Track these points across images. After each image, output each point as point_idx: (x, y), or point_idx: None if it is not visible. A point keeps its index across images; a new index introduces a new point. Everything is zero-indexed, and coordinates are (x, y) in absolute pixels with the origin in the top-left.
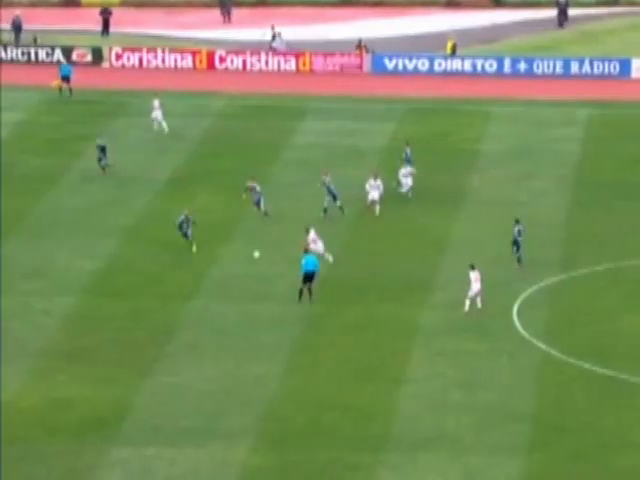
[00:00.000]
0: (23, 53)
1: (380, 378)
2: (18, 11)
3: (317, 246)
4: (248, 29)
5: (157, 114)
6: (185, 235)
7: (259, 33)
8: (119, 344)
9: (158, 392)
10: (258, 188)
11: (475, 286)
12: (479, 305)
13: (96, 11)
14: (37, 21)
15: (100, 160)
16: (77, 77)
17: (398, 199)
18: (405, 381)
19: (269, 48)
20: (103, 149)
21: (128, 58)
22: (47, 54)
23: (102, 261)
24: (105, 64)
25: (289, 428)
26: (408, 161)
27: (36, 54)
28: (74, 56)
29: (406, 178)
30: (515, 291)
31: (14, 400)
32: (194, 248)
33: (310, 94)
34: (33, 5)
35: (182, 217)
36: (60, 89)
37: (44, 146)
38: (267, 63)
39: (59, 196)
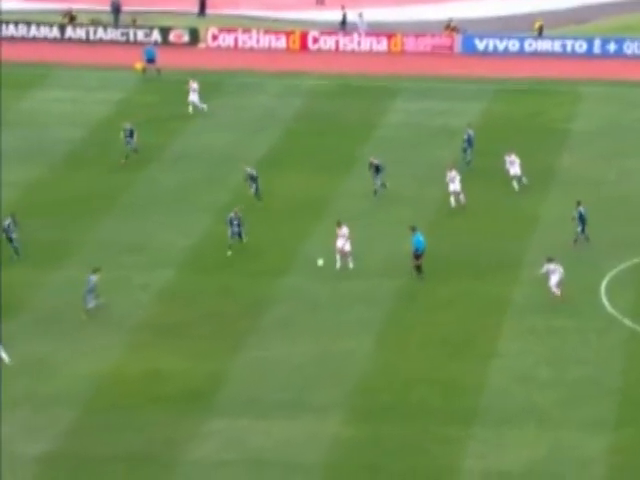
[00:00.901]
0: (122, 34)
1: (470, 353)
2: None
3: (344, 245)
4: (341, 10)
5: (194, 97)
6: (235, 234)
7: (347, 14)
8: (214, 319)
9: (251, 366)
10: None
11: (553, 278)
12: (558, 293)
13: None
14: (136, 3)
15: (128, 144)
16: (174, 57)
17: (488, 177)
18: (494, 356)
19: (339, 28)
20: (131, 132)
21: (224, 39)
22: (145, 35)
23: (197, 238)
24: (201, 45)
25: (379, 401)
26: (469, 143)
27: (135, 35)
28: (171, 37)
29: (453, 183)
30: (603, 269)
31: (115, 371)
32: (229, 252)
33: (401, 74)
34: None
35: (231, 214)
36: (144, 71)
37: (142, 125)
38: (359, 44)
39: (156, 174)
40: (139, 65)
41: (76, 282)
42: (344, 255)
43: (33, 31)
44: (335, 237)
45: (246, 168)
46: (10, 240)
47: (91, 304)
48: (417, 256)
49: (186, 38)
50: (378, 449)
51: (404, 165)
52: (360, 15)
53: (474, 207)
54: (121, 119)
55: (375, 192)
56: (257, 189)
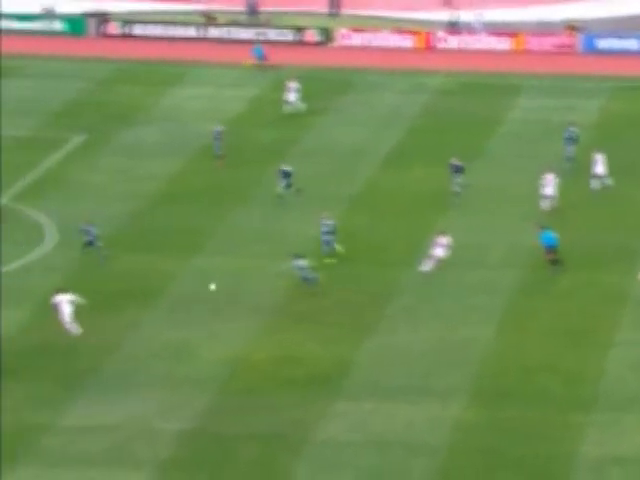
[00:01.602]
0: (257, 34)
1: (589, 342)
2: None
3: (437, 251)
4: (466, 11)
5: (291, 96)
6: (326, 243)
7: (470, 14)
8: (343, 307)
9: (377, 352)
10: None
11: None
12: None
13: None
14: (271, 4)
15: (216, 144)
16: (306, 56)
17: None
18: (613, 345)
19: (448, 26)
20: (219, 134)
21: (354, 38)
22: (279, 34)
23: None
24: (333, 44)
25: (500, 388)
26: (572, 140)
27: (269, 34)
28: (304, 36)
29: (548, 187)
30: None
31: (248, 355)
32: (328, 260)
33: (524, 72)
34: None
35: (329, 223)
36: (254, 67)
37: (275, 121)
38: (483, 43)
39: (291, 167)
40: (248, 62)
41: (211, 269)
42: (437, 261)
43: (173, 31)
44: (434, 243)
45: (281, 165)
46: (90, 244)
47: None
48: (550, 252)
49: (318, 37)
50: (498, 433)
51: (525, 160)
52: (478, 15)
53: (593, 199)
54: (255, 115)
55: (455, 193)
56: (289, 185)
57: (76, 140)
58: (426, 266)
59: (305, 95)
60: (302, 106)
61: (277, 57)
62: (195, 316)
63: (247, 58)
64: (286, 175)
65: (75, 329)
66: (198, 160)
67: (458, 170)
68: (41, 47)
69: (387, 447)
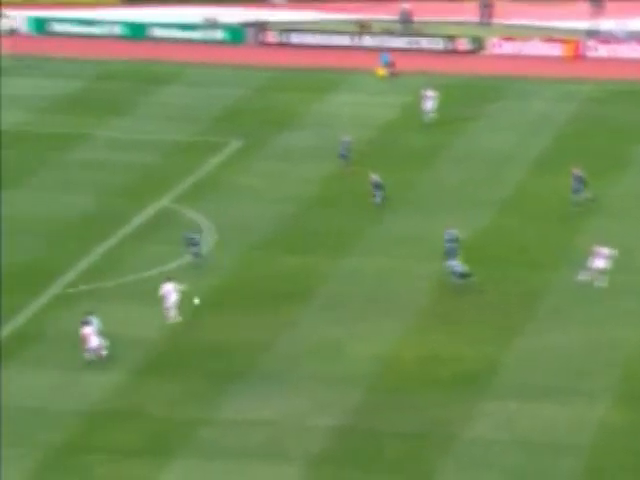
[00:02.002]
0: (409, 42)
1: None
2: (406, 4)
3: (598, 263)
4: (614, 20)
5: (427, 104)
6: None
7: (612, 23)
8: (491, 307)
9: (525, 352)
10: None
11: None
12: None
13: (475, 4)
14: (424, 13)
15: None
16: (457, 64)
17: None
18: None
19: (589, 35)
20: (348, 144)
21: (505, 47)
22: (431, 43)
23: (473, 231)
24: (484, 52)
25: None
26: None
27: (421, 43)
28: (456, 45)
29: None
30: None
31: (397, 353)
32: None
33: None
34: None
35: (452, 232)
36: (383, 75)
37: (426, 127)
38: (631, 51)
39: (440, 172)
40: (381, 71)
41: (360, 270)
42: (597, 273)
43: (329, 39)
44: (593, 254)
45: (371, 175)
46: (196, 255)
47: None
48: None
49: (469, 46)
50: None
51: None
52: (621, 24)
53: None
54: (407, 120)
55: (576, 203)
56: (383, 197)
57: (234, 145)
58: (583, 276)
59: (456, 102)
60: (436, 115)
61: (428, 65)
62: (346, 316)
63: (378, 67)
64: (377, 186)
65: (175, 318)
66: (349, 164)
67: (580, 181)
68: (202, 55)
69: (533, 447)
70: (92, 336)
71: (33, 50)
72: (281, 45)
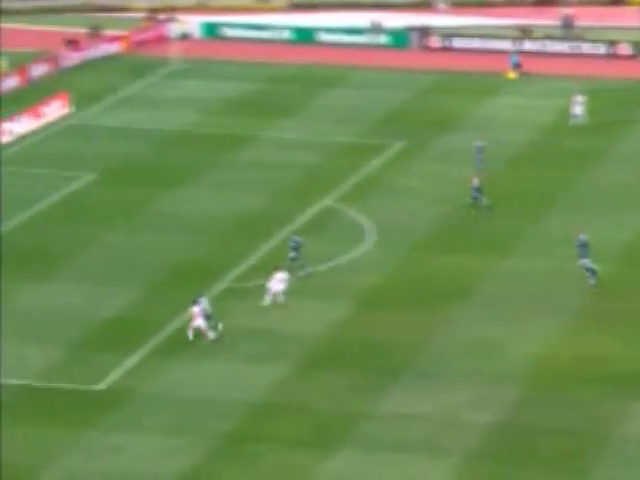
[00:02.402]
0: (571, 47)
1: None
2: (568, 10)
3: None
4: None
5: (576, 109)
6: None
7: None
8: None
9: None
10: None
11: None
12: None
13: (637, 9)
14: (586, 18)
15: (477, 160)
16: (618, 68)
17: None
18: None
19: None
20: (481, 149)
21: None
22: (592, 48)
23: (635, 233)
24: None
25: None
26: None
27: (582, 48)
28: (617, 49)
29: None
30: None
31: (554, 352)
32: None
33: None
34: (583, 4)
35: (582, 238)
36: (513, 77)
37: (588, 128)
38: None
39: (601, 173)
40: (511, 74)
41: (518, 270)
42: None
43: (490, 44)
44: None
45: (473, 179)
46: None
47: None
48: None
49: (630, 51)
50: None
51: None
52: None
53: None
54: (562, 124)
55: None
56: (482, 201)
57: (396, 146)
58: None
59: (617, 105)
60: (579, 118)
61: (589, 70)
62: (504, 315)
63: (509, 71)
64: (478, 191)
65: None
66: (511, 167)
67: None
68: (367, 59)
69: None
70: (198, 316)
71: (204, 54)
72: (443, 49)
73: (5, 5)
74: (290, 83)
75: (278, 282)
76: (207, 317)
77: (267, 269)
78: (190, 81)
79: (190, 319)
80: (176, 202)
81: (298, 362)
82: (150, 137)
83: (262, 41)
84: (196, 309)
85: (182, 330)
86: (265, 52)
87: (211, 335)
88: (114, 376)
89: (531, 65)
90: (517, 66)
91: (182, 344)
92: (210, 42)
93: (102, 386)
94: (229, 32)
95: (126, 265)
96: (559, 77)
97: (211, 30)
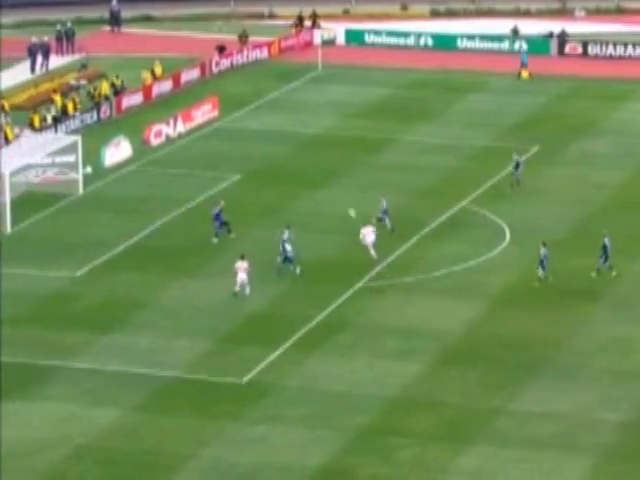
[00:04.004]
0: None
1: None
2: None
3: None
4: None
5: None
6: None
7: None
8: None
9: None
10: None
11: None
12: None
13: None
14: None
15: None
16: None
17: None
18: None
19: None
20: (518, 165)
21: None
22: None
23: None
24: None
25: None
26: None
27: None
28: None
29: None
30: None
31: None
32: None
33: None
34: None
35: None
36: (519, 76)
37: None
38: None
39: None
40: (525, 73)
41: None
42: None
43: (627, 50)
44: None
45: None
46: (284, 250)
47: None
48: None
49: None
50: None
51: None
52: None
53: None
54: None
55: None
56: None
57: (532, 150)
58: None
59: None
60: None
61: None
62: (637, 315)
63: (522, 69)
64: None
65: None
66: None
67: None
68: (506, 65)
69: None
70: (241, 271)
71: (347, 60)
72: (582, 56)
73: (159, 13)
74: (430, 88)
75: (370, 234)
76: (286, 258)
77: (404, 269)
78: (333, 86)
79: (236, 273)
80: (316, 202)
81: (434, 358)
82: (292, 140)
83: (403, 47)
84: (240, 264)
85: (320, 327)
86: (406, 58)
87: (248, 291)
88: (257, 369)
89: None
90: (526, 66)
91: (323, 339)
92: (353, 48)
93: (246, 379)
94: (372, 39)
95: (269, 262)
96: None
97: (354, 37)
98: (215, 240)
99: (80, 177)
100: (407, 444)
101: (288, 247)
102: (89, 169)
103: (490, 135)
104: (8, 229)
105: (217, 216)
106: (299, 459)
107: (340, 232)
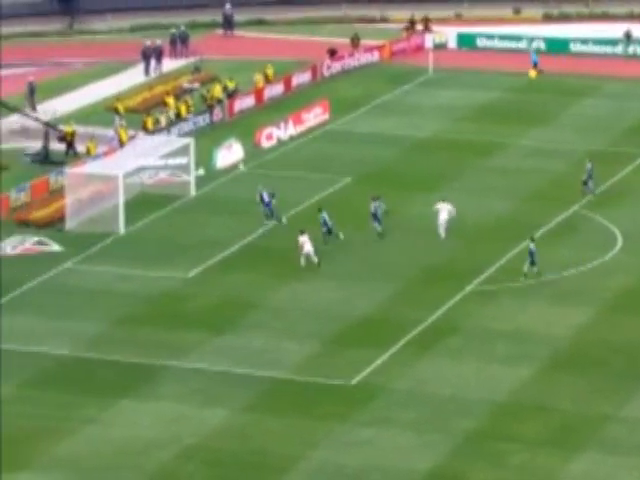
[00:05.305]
0: None
1: None
2: None
3: None
4: None
5: None
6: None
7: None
8: None
9: None
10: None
11: None
12: None
13: None
14: None
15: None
16: None
17: None
18: None
19: None
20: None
21: None
22: None
23: None
24: None
25: None
26: None
27: None
28: None
29: None
30: None
31: None
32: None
33: None
34: None
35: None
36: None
37: None
38: None
39: None
40: (532, 73)
41: None
42: None
43: None
44: None
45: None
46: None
47: None
48: None
49: None
50: None
51: None
52: None
53: None
54: None
55: None
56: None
57: None
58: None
59: None
60: None
61: None
62: None
63: (530, 69)
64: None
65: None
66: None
67: None
68: (620, 69)
69: None
70: (307, 243)
71: (458, 63)
72: None
73: (272, 17)
74: (542, 92)
75: (305, 242)
76: (328, 230)
77: (514, 273)
78: (443, 89)
79: (301, 248)
80: (426, 205)
81: (544, 364)
82: (403, 143)
83: (516, 51)
84: (302, 238)
85: (430, 330)
86: (518, 62)
87: (316, 259)
88: (366, 371)
89: None
90: (536, 65)
91: (432, 342)
92: (464, 52)
93: (354, 381)
94: (483, 42)
95: (378, 265)
96: None
97: (466, 40)
98: (270, 222)
99: (192, 179)
100: (516, 449)
101: (328, 221)
102: (201, 171)
103: (602, 140)
104: (122, 230)
105: (264, 200)
106: (408, 462)
107: (451, 236)
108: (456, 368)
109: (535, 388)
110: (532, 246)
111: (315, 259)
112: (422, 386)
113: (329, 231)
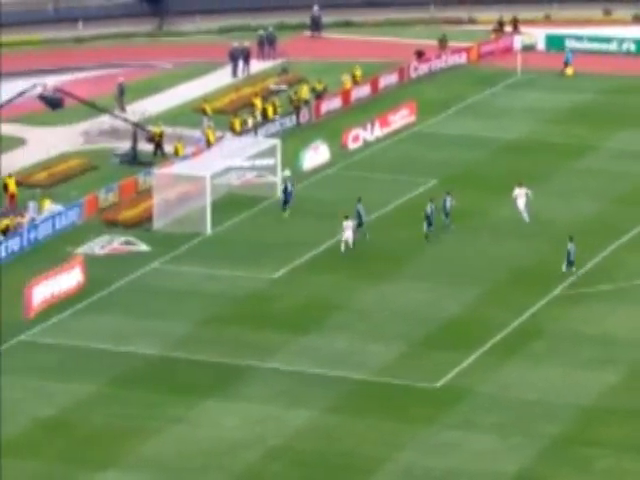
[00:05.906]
0: None
1: None
2: None
3: None
4: None
5: None
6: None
7: None
8: None
9: None
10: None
11: None
12: None
13: None
14: None
15: None
16: None
17: None
18: None
19: None
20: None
21: None
22: None
23: None
24: None
25: None
26: None
27: None
28: None
29: None
30: None
31: None
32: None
33: None
34: None
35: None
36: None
37: None
38: None
39: None
40: (569, 70)
41: None
42: None
43: None
44: None
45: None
46: (360, 225)
47: None
48: None
49: None
50: None
51: None
52: None
53: None
54: None
55: None
56: None
57: None
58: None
59: None
60: None
61: None
62: None
63: (567, 67)
64: None
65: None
66: None
67: None
68: None
69: None
70: (348, 229)
71: (547, 65)
72: None
73: (359, 18)
74: (633, 94)
75: (348, 228)
76: (360, 223)
77: (601, 276)
78: (532, 91)
79: (344, 231)
80: (513, 207)
81: (632, 368)
82: (490, 145)
83: (606, 53)
84: (346, 223)
85: (516, 334)
86: (608, 64)
87: (351, 245)
88: (451, 374)
89: None
90: (567, 63)
91: (518, 346)
92: (553, 54)
93: (439, 384)
94: (573, 44)
95: (465, 267)
96: None
97: (555, 42)
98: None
99: (279, 180)
100: (602, 454)
101: (362, 214)
102: (288, 172)
103: None
104: (209, 230)
105: (286, 190)
106: (494, 466)
107: (539, 238)
108: (541, 372)
109: (622, 393)
110: (570, 246)
111: (351, 244)
112: (507, 390)
113: (360, 224)
